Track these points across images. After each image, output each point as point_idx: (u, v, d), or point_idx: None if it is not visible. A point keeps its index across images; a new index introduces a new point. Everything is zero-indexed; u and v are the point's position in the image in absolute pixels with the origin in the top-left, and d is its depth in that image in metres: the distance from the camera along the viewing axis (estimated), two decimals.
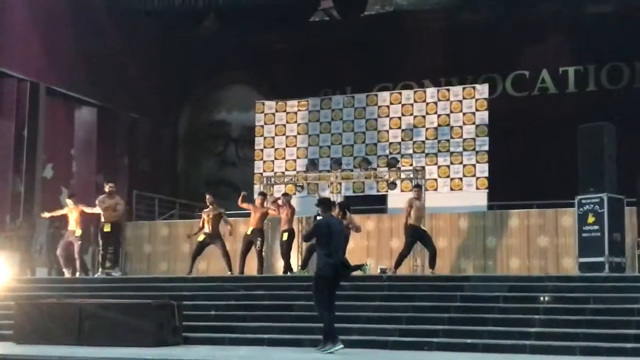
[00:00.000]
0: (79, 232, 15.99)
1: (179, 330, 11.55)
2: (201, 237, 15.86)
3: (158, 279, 15.10)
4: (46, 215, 16.73)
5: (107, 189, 15.85)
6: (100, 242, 15.80)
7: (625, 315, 10.78)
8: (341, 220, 10.63)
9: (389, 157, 18.09)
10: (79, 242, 16.05)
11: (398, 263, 14.60)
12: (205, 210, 15.98)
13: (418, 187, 15.42)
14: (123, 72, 22.26)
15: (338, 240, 10.23)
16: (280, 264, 16.09)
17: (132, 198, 21.03)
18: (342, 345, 9.85)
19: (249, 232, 15.72)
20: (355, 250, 15.75)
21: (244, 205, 15.91)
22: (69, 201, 16.51)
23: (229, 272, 15.40)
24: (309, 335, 11.31)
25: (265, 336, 11.50)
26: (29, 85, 19.77)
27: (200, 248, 15.91)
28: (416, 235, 14.74)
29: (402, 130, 18.32)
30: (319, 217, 10.54)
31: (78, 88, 21.23)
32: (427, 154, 17.98)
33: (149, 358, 9.73)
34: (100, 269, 15.87)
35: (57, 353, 10.25)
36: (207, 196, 16.04)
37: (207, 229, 15.77)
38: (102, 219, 15.68)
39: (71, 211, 16.19)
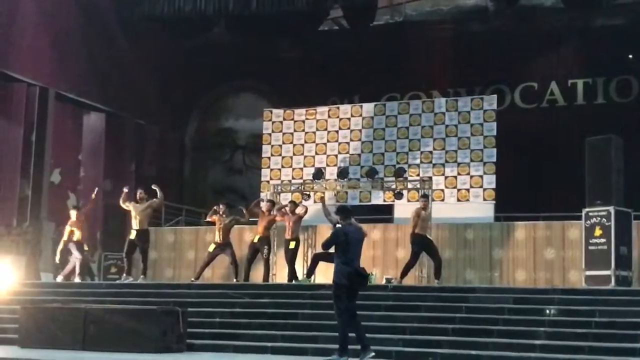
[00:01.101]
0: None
1: (183, 336, 11.54)
2: (212, 248, 15.88)
3: (163, 285, 15.10)
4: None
5: (138, 195, 15.87)
6: (125, 248, 15.79)
7: (631, 329, 10.71)
8: (361, 228, 10.62)
9: (396, 167, 18.08)
10: (84, 252, 16.15)
11: (404, 273, 14.57)
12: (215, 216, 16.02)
13: (425, 197, 15.40)
14: (131, 79, 22.35)
15: (355, 249, 10.22)
16: (285, 272, 16.08)
17: None
18: (346, 358, 9.80)
19: (255, 240, 15.72)
20: (361, 260, 15.64)
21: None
22: (73, 213, 16.46)
23: (235, 280, 15.40)
24: (313, 344, 11.31)
25: (269, 344, 11.48)
26: (38, 90, 19.87)
27: (211, 258, 15.95)
28: (423, 245, 14.71)
29: (410, 141, 18.31)
30: (338, 225, 10.55)
31: (87, 94, 21.32)
32: (434, 165, 17.96)
33: None
34: (125, 275, 15.85)
35: (62, 357, 10.27)
36: (220, 206, 16.05)
37: (218, 238, 15.78)
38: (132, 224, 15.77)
39: (73, 224, 16.18)
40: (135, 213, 15.71)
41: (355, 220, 10.51)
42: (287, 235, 15.76)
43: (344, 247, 10.13)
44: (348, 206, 11.63)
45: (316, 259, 14.89)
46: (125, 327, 11.37)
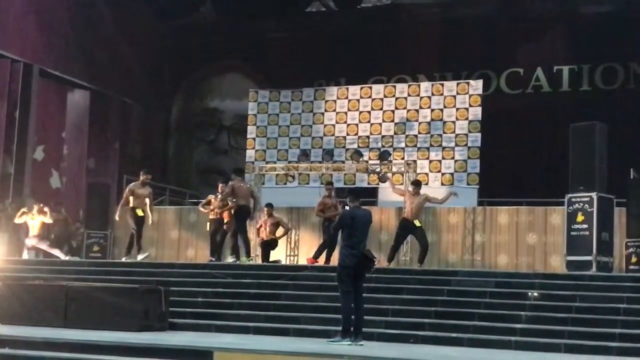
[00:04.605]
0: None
1: (165, 315, 11.54)
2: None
3: (146, 264, 15.05)
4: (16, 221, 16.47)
5: (142, 178, 15.58)
6: (135, 227, 15.45)
7: (610, 314, 10.82)
8: (369, 212, 10.69)
9: (381, 150, 18.10)
10: (45, 243, 16.11)
11: (391, 257, 14.63)
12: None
13: (417, 184, 15.23)
14: (117, 57, 22.22)
15: (362, 232, 10.25)
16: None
17: (122, 183, 20.96)
18: (349, 342, 9.81)
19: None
20: None
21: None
22: (36, 207, 16.31)
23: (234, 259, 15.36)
24: (295, 325, 11.36)
25: (252, 324, 11.51)
26: (22, 66, 19.72)
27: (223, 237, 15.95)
28: (407, 229, 14.74)
29: (395, 124, 18.30)
30: (347, 207, 10.58)
31: (71, 71, 21.18)
32: (419, 148, 17.98)
33: (134, 342, 9.72)
34: (134, 252, 15.63)
35: (43, 334, 10.23)
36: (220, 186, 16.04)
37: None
38: (131, 205, 15.41)
39: (33, 217, 16.07)
40: (146, 194, 15.52)
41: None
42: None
43: (350, 230, 10.18)
44: (356, 190, 11.67)
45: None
46: (107, 305, 11.34)
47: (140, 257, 15.25)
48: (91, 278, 13.40)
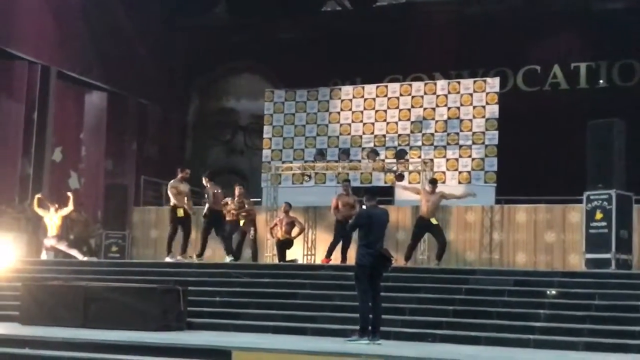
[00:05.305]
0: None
1: (183, 315, 11.58)
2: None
3: (164, 264, 15.12)
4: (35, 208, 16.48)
5: (182, 174, 15.25)
6: (170, 227, 15.22)
7: (630, 312, 10.75)
8: (386, 211, 10.69)
9: (398, 148, 18.07)
10: (64, 243, 16.15)
11: (408, 256, 14.63)
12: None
13: (433, 182, 15.20)
14: (133, 58, 22.32)
15: (378, 231, 10.24)
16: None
17: (140, 183, 21.09)
18: (367, 341, 9.81)
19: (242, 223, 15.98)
20: None
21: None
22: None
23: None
24: (313, 324, 11.37)
25: (269, 324, 11.52)
26: (40, 68, 19.83)
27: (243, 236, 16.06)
28: (423, 227, 14.74)
29: (412, 122, 18.26)
30: (363, 207, 10.60)
31: (88, 73, 21.30)
32: (435, 147, 17.93)
33: (153, 342, 9.76)
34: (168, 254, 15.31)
35: (61, 335, 10.29)
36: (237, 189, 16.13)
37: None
38: (174, 203, 15.04)
39: (51, 217, 16.10)
40: (187, 190, 15.28)
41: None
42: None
43: (367, 230, 10.18)
44: (373, 189, 11.67)
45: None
46: (126, 305, 11.41)
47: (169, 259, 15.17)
48: (110, 278, 13.46)
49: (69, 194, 16.37)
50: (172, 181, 15.32)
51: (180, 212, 15.03)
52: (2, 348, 9.74)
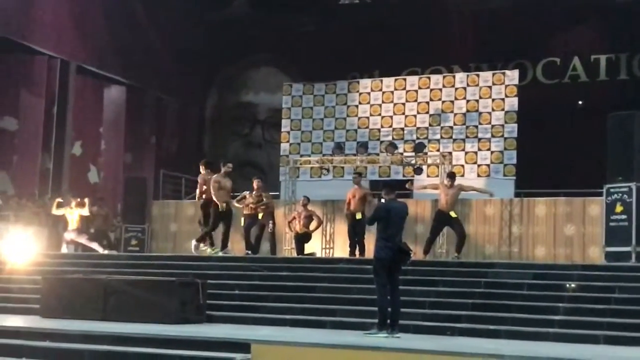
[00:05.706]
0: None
1: (202, 308, 11.62)
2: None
3: (183, 257, 15.19)
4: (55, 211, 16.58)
5: (224, 169, 15.04)
6: (211, 221, 14.95)
7: None
8: (404, 204, 10.66)
9: (416, 142, 18.03)
10: (84, 236, 16.22)
11: (427, 249, 14.61)
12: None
13: (451, 176, 15.12)
14: (152, 52, 22.38)
15: (397, 224, 10.23)
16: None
17: (159, 177, 21.19)
18: (385, 335, 9.82)
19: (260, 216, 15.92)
20: None
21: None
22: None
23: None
24: (331, 317, 11.38)
25: (288, 317, 11.54)
26: (60, 62, 19.93)
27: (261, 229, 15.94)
28: (442, 221, 14.72)
29: (430, 115, 18.21)
30: (382, 201, 10.59)
31: (108, 67, 21.39)
32: (454, 140, 17.88)
33: (172, 335, 9.80)
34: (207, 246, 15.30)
35: (81, 327, 10.36)
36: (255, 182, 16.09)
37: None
38: (216, 199, 14.74)
39: (72, 212, 16.18)
40: (229, 186, 15.10)
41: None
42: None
43: (386, 223, 10.16)
44: (392, 182, 11.63)
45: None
46: (145, 298, 11.44)
47: (219, 252, 15.09)
48: (129, 271, 13.52)
49: (86, 200, 16.45)
50: (215, 176, 14.92)
51: (223, 207, 14.84)
52: (23, 340, 9.83)
